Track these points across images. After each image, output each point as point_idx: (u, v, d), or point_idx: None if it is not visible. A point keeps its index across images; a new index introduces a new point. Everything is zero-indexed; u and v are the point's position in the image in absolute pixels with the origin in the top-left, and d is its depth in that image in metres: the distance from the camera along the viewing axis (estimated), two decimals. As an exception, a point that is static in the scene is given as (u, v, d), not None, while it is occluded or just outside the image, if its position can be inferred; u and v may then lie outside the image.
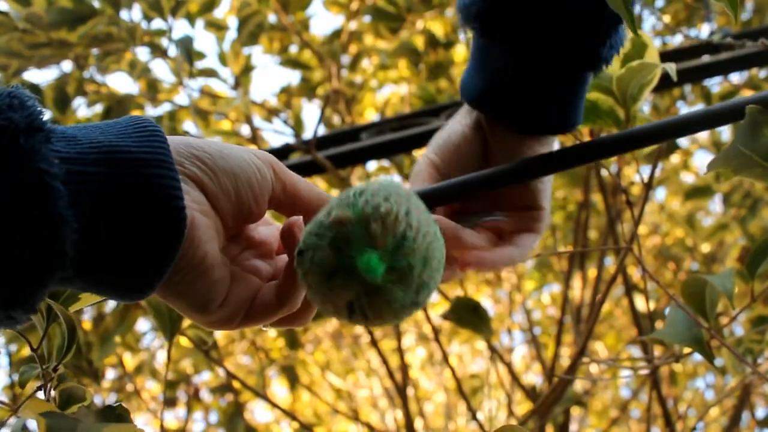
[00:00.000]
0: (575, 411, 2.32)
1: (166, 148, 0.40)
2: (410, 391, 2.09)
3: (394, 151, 1.38)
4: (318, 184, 1.74)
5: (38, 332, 0.54)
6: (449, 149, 0.60)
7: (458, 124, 0.61)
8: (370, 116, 2.06)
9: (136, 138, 0.40)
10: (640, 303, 1.93)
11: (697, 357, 1.15)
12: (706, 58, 1.36)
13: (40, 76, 7.82)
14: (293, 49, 1.92)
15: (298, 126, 1.84)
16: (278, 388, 2.82)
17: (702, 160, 2.42)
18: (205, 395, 2.07)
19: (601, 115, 0.70)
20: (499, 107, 0.58)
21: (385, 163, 1.88)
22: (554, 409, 1.46)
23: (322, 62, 1.80)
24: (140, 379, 2.08)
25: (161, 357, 1.94)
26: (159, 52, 1.51)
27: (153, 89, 1.66)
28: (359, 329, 2.43)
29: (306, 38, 1.79)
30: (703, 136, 2.13)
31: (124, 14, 1.45)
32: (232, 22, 1.67)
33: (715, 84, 1.83)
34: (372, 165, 1.92)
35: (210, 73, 1.60)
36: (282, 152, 1.47)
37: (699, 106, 1.79)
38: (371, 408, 2.86)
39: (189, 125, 1.76)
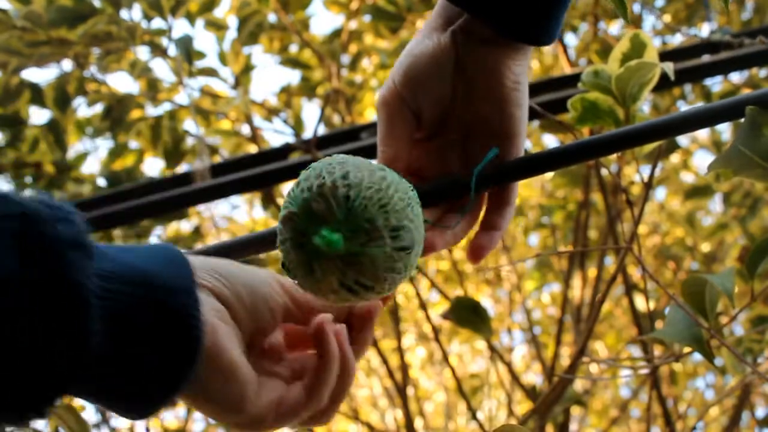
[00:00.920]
0: (575, 410, 2.32)
1: (191, 279, 0.44)
2: (410, 391, 2.09)
3: (394, 150, 1.37)
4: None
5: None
6: (418, 75, 0.55)
7: (428, 39, 0.56)
8: (370, 116, 2.06)
9: (164, 264, 0.43)
10: (640, 302, 1.93)
11: (697, 356, 1.15)
12: (706, 58, 1.36)
13: (40, 75, 7.82)
14: (293, 48, 1.92)
15: (298, 125, 1.84)
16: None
17: (702, 159, 2.42)
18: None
19: (601, 114, 0.70)
20: (483, 3, 0.53)
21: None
22: (554, 408, 1.46)
23: (322, 62, 1.80)
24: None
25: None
26: (159, 51, 1.51)
27: (153, 88, 1.66)
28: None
29: (306, 38, 1.79)
30: (703, 135, 2.13)
31: (124, 13, 1.45)
32: (232, 22, 1.68)
33: (715, 83, 1.83)
34: (372, 164, 1.92)
35: (210, 72, 1.60)
36: (282, 152, 1.47)
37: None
38: (371, 407, 2.86)
39: (189, 124, 1.76)
